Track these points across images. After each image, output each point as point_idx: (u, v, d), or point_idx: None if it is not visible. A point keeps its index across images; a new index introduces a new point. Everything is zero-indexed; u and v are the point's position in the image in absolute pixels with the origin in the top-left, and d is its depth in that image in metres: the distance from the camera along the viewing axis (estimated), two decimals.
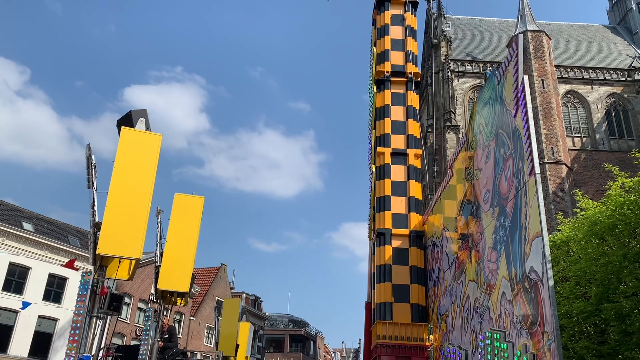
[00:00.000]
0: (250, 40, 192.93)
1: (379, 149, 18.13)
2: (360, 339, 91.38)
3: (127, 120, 9.41)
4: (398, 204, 17.32)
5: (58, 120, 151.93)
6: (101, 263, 8.88)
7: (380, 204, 17.53)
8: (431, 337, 15.30)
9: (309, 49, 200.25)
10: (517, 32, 43.72)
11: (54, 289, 32.69)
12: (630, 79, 48.31)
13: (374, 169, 18.14)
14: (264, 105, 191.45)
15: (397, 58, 19.51)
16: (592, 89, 47.74)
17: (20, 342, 30.39)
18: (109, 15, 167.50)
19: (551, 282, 8.13)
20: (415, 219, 17.08)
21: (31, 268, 31.58)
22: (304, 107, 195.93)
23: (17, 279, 31.01)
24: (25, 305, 24.48)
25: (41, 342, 31.44)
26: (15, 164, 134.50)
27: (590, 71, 48.56)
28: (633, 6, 57.31)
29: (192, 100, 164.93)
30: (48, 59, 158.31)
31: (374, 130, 19.05)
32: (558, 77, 46.01)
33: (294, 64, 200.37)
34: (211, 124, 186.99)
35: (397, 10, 20.55)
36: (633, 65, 49.03)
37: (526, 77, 9.78)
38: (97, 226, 8.60)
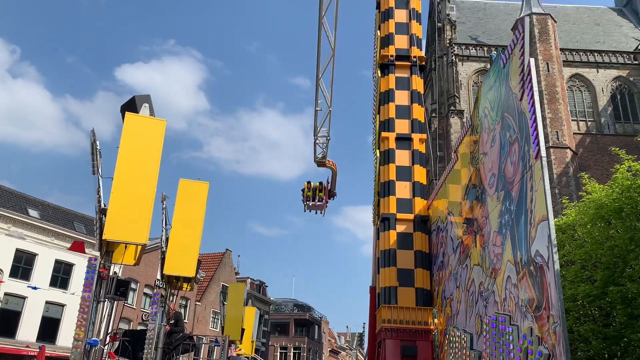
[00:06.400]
0: (246, 12, 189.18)
1: (384, 134, 18.06)
2: (364, 323, 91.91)
3: (131, 105, 9.39)
4: (403, 189, 17.30)
5: (52, 100, 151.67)
6: (107, 249, 8.94)
7: (384, 189, 17.51)
8: (436, 320, 15.36)
9: (307, 22, 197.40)
10: (522, 15, 43.25)
11: (61, 275, 32.98)
12: (636, 62, 47.81)
13: (378, 154, 18.08)
14: (263, 82, 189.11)
15: (401, 42, 19.32)
16: (598, 72, 47.30)
17: (28, 327, 30.75)
18: None
19: (557, 266, 8.11)
20: (419, 204, 17.06)
21: (37, 254, 31.83)
22: (303, 82, 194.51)
23: (24, 265, 31.27)
24: (33, 287, 24.71)
25: (49, 327, 31.82)
26: (11, 146, 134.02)
27: (595, 54, 48.08)
28: None
29: (190, 77, 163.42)
30: (37, 33, 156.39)
31: (378, 115, 18.94)
32: (563, 61, 45.60)
33: (291, 38, 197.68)
34: (211, 103, 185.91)
35: None
36: (639, 48, 48.51)
37: (532, 60, 9.74)
38: (102, 212, 8.64)
